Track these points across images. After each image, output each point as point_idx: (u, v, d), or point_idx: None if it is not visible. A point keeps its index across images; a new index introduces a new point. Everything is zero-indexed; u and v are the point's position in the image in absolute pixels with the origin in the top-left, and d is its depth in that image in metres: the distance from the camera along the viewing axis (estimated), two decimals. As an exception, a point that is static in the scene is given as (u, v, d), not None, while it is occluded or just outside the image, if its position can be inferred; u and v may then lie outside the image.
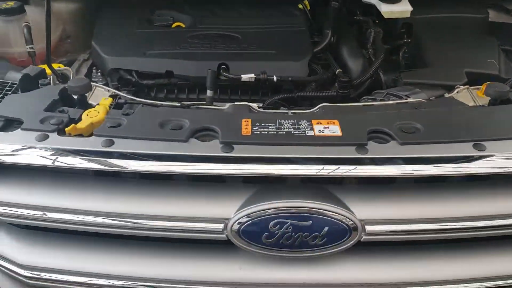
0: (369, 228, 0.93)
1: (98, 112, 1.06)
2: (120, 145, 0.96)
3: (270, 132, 0.97)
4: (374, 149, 0.94)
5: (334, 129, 0.99)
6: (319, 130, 0.98)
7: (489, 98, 1.17)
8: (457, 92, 1.31)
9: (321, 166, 0.92)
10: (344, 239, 0.93)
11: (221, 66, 1.42)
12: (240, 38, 1.56)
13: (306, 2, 1.75)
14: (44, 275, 1.00)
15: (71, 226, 0.96)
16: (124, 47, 1.51)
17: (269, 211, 0.92)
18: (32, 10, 1.64)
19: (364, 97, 1.34)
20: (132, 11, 1.70)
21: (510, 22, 1.75)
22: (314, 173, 0.92)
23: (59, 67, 1.47)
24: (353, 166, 0.92)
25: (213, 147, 0.95)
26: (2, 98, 1.12)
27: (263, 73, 1.39)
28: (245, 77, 1.38)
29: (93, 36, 1.58)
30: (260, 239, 0.93)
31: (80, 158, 0.95)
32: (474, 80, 1.38)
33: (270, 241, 0.93)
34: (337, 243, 0.93)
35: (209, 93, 1.41)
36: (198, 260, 0.99)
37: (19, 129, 1.00)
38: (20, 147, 0.96)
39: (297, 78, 1.42)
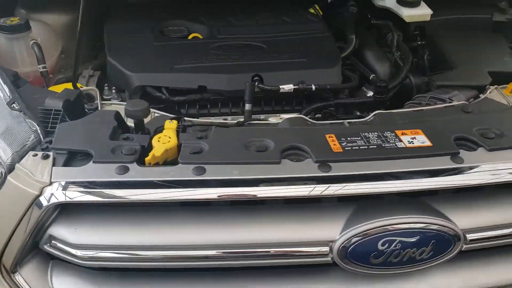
0: (469, 236, 0.94)
1: (170, 138, 0.98)
2: (211, 172, 0.89)
3: (361, 147, 0.95)
4: (467, 157, 0.94)
5: (421, 139, 0.98)
6: (408, 141, 0.97)
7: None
8: (490, 92, 1.36)
9: (422, 179, 0.91)
10: (449, 249, 0.93)
11: (255, 78, 1.38)
12: (265, 47, 1.51)
13: (317, 7, 1.74)
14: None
15: (173, 263, 0.88)
16: (148, 62, 1.42)
17: (378, 229, 0.89)
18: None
19: (408, 102, 1.35)
20: (141, 23, 1.60)
21: (504, 20, 1.84)
22: (416, 187, 0.91)
23: (81, 87, 1.35)
24: (452, 177, 0.92)
25: (309, 167, 0.91)
26: (53, 127, 1.00)
27: (301, 82, 1.36)
28: (285, 88, 1.35)
29: (106, 51, 1.47)
30: (368, 259, 0.90)
31: (171, 190, 0.88)
32: (496, 79, 1.43)
33: (377, 260, 0.91)
34: (442, 255, 0.93)
35: (247, 106, 1.35)
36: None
37: (91, 161, 0.90)
38: (103, 180, 0.87)
39: (335, 86, 1.40)
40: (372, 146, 0.95)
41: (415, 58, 1.61)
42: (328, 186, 0.89)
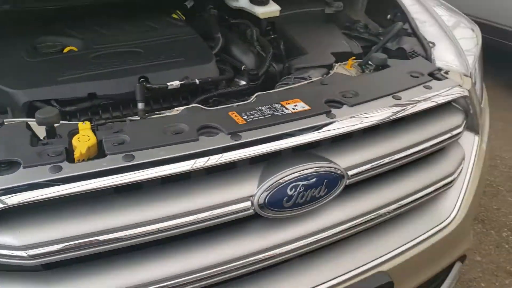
0: (350, 172, 1.20)
1: (88, 136, 1.06)
2: (140, 157, 1.00)
3: (259, 118, 1.15)
4: (337, 113, 1.21)
5: (301, 105, 1.22)
6: (292, 108, 1.20)
7: (358, 69, 1.55)
8: (336, 68, 1.68)
9: (309, 134, 1.15)
10: (337, 185, 1.18)
11: (141, 79, 1.49)
12: (143, 51, 1.63)
13: (179, 12, 1.91)
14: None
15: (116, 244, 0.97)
16: (29, 78, 1.43)
17: (285, 178, 1.10)
18: None
19: (278, 84, 1.60)
20: (8, 41, 1.58)
21: (333, 12, 2.22)
22: (306, 141, 1.14)
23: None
24: (330, 129, 1.18)
25: (223, 139, 1.08)
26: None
27: (186, 78, 1.51)
28: (173, 84, 1.49)
29: None
30: (282, 204, 1.11)
31: (106, 178, 0.96)
32: (338, 58, 1.78)
33: (289, 203, 1.11)
34: (333, 190, 1.17)
35: (140, 106, 1.46)
36: (230, 240, 1.10)
37: (21, 167, 0.95)
38: (40, 181, 0.92)
39: (216, 78, 1.58)
40: (268, 116, 1.16)
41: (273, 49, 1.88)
42: (242, 151, 1.07)
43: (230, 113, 1.16)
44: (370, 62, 1.65)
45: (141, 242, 1.01)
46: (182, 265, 1.05)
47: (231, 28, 1.92)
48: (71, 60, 1.54)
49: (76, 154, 0.99)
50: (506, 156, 3.53)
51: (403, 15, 1.87)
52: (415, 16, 1.84)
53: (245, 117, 1.15)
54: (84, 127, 1.10)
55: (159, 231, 1.02)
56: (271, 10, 1.81)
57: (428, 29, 1.77)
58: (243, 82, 1.71)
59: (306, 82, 1.55)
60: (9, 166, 0.96)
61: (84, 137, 1.05)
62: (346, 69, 1.72)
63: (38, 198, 0.91)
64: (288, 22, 1.98)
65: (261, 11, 1.79)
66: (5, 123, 1.11)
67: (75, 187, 0.94)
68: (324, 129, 1.16)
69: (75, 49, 1.63)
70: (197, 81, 1.53)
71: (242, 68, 1.68)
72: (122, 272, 1.01)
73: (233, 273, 1.10)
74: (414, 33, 1.74)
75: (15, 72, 1.45)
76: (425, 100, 1.32)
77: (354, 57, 1.76)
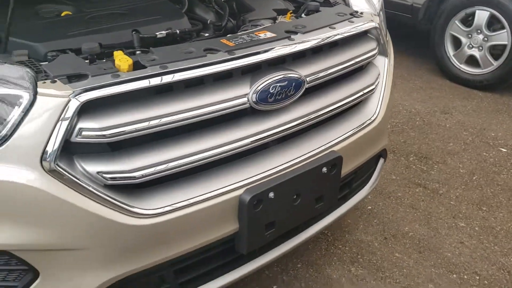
0: (308, 79, 1.71)
1: (126, 58, 1.45)
2: (172, 67, 1.42)
3: (245, 41, 1.62)
4: (295, 37, 1.71)
5: (269, 34, 1.70)
6: (264, 35, 1.68)
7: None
8: (280, 18, 2.18)
9: (280, 49, 1.63)
10: (301, 87, 1.68)
11: (133, 31, 1.88)
12: (129, 13, 2.01)
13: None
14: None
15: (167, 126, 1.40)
16: (44, 35, 1.76)
17: (269, 81, 1.58)
18: None
19: (240, 31, 2.06)
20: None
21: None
22: (279, 54, 1.62)
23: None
24: (293, 46, 1.67)
25: (223, 55, 1.53)
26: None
27: (169, 29, 1.92)
28: (162, 33, 1.89)
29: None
30: (267, 99, 1.58)
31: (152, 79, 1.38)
32: (278, 13, 2.27)
33: (272, 99, 1.59)
34: (299, 90, 1.67)
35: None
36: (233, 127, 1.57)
37: (90, 76, 1.33)
38: (108, 82, 1.31)
39: (193, 29, 2.00)
40: (248, 40, 1.63)
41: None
42: (237, 61, 1.53)
43: (222, 40, 1.61)
44: (303, 14, 2.17)
45: (176, 126, 1.44)
46: (206, 144, 1.49)
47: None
48: (71, 21, 1.89)
49: (126, 67, 1.39)
50: (406, 103, 4.28)
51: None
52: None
53: (233, 41, 1.61)
54: (119, 53, 1.49)
55: (187, 118, 1.45)
56: (224, -23, 2.26)
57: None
58: (207, 35, 2.15)
59: (264, 26, 2.03)
60: (79, 77, 1.34)
61: (123, 59, 1.45)
62: (287, 20, 2.23)
63: (107, 93, 1.31)
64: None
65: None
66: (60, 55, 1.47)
67: (132, 86, 1.34)
68: (289, 48, 1.66)
69: (70, 13, 1.97)
70: (178, 31, 1.95)
71: (208, 21, 2.12)
72: (168, 149, 1.43)
73: (237, 150, 1.56)
74: (334, -11, 2.29)
75: (31, 31, 1.77)
76: (350, 29, 1.86)
77: (291, 11, 2.27)
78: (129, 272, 1.43)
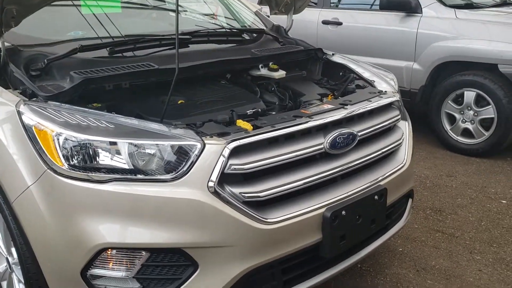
0: (359, 134, 2.49)
1: (247, 123, 2.25)
2: (276, 126, 2.22)
3: (316, 110, 2.43)
4: (348, 107, 2.53)
5: (330, 106, 2.52)
6: (327, 106, 2.50)
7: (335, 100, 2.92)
8: (324, 100, 3.03)
9: (342, 114, 2.44)
10: (356, 139, 2.46)
11: (231, 111, 2.70)
12: (223, 100, 2.84)
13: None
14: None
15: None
16: (175, 115, 2.56)
17: (335, 134, 2.36)
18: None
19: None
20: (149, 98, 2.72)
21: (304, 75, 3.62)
22: (342, 116, 2.43)
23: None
24: (348, 112, 2.48)
25: (306, 119, 2.33)
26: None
27: (254, 108, 2.74)
28: (251, 111, 2.71)
29: None
30: (336, 146, 2.36)
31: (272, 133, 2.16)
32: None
33: (338, 145, 2.37)
34: (354, 141, 2.45)
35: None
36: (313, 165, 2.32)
37: (231, 134, 2.11)
38: (244, 136, 2.09)
39: (267, 108, 2.82)
40: (319, 109, 2.44)
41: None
42: (315, 122, 2.33)
43: (301, 110, 2.42)
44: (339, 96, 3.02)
45: (283, 163, 2.19)
46: (301, 175, 2.24)
47: (258, 85, 3.21)
48: (188, 106, 2.70)
49: (249, 129, 2.18)
50: (416, 170, 5.06)
51: (350, 71, 3.31)
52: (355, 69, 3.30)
53: (309, 110, 2.42)
54: (240, 121, 2.28)
55: (288, 158, 2.21)
56: (282, 74, 3.14)
57: (366, 74, 3.21)
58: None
59: (325, 101, 2.85)
60: (225, 134, 2.11)
61: (245, 123, 2.24)
62: (329, 100, 3.08)
63: (245, 142, 2.08)
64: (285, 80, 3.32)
65: (277, 75, 3.12)
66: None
67: (257, 138, 2.12)
68: (345, 112, 2.47)
69: (183, 101, 2.79)
70: (260, 110, 2.76)
71: (276, 103, 2.95)
72: (279, 179, 2.18)
73: (319, 180, 2.30)
74: (361, 77, 3.17)
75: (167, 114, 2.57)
76: (381, 101, 2.70)
77: (331, 94, 3.12)
78: (256, 265, 2.09)
